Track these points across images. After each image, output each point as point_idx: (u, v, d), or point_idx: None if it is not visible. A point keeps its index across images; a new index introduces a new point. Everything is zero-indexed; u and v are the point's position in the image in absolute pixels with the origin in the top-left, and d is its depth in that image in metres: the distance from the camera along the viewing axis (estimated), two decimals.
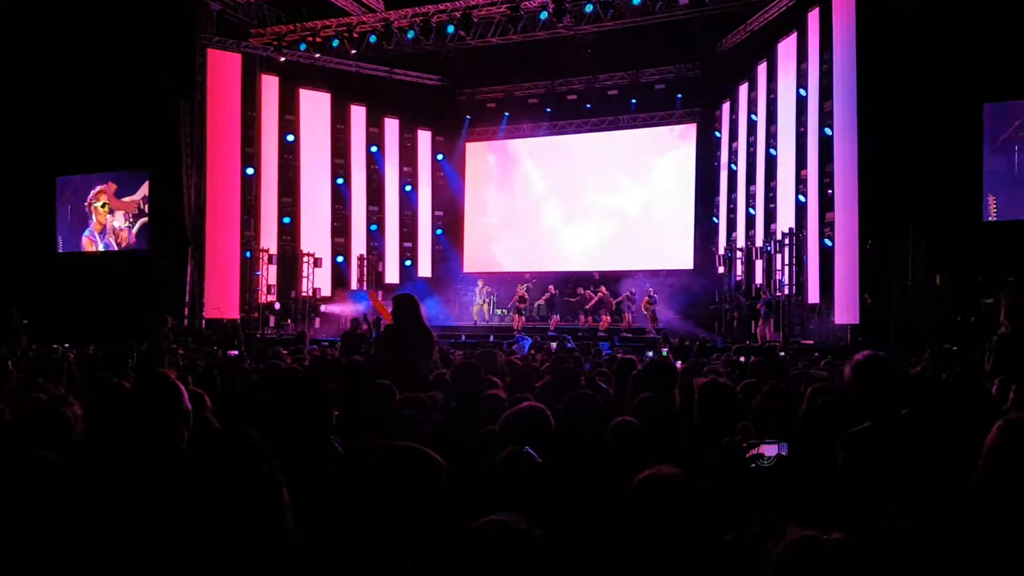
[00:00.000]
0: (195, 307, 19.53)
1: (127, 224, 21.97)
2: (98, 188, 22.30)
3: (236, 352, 9.23)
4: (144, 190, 21.78)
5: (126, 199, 22.08)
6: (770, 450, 2.28)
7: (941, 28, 13.71)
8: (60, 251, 22.66)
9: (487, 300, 21.74)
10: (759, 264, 18.90)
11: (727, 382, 3.68)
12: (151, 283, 19.25)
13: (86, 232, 22.46)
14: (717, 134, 22.11)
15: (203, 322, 19.38)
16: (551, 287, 20.22)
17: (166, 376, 2.98)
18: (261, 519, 1.57)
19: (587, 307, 20.19)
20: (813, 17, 16.48)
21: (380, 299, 20.30)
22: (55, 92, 19.48)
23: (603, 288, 19.88)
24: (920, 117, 13.80)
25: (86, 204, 22.43)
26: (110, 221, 22.14)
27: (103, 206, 22.20)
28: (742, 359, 7.43)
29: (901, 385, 3.05)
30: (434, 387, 5.38)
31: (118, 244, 22.09)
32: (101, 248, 22.30)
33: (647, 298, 19.02)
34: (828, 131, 15.92)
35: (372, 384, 4.20)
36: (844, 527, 1.60)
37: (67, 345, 12.56)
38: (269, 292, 20.56)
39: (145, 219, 21.75)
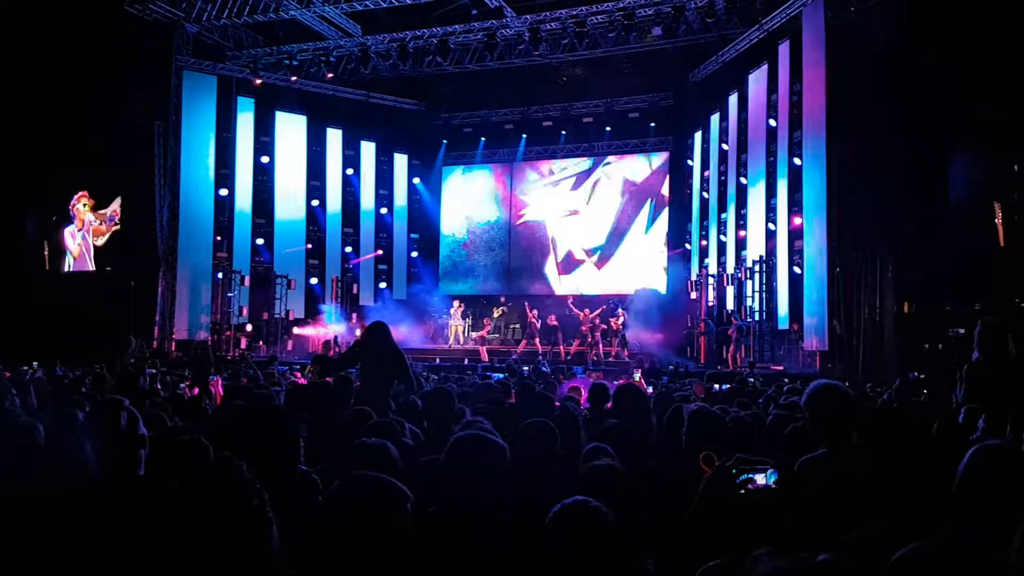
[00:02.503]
0: (165, 328, 19.30)
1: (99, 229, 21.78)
2: (79, 193, 22.13)
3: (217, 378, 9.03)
4: (115, 205, 21.63)
5: (101, 211, 22.00)
6: (761, 477, 2.31)
7: (908, 62, 14.07)
8: (29, 269, 22.31)
9: (461, 323, 21.69)
10: (730, 290, 19.11)
11: (716, 412, 3.75)
12: (121, 303, 19.00)
13: (68, 227, 22.29)
14: (689, 162, 22.40)
15: (173, 344, 19.15)
16: (533, 310, 20.03)
17: (120, 402, 2.92)
18: (246, 557, 1.52)
19: (582, 329, 19.28)
20: (784, 50, 16.82)
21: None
22: (27, 112, 19.27)
23: (587, 311, 19.59)
24: (888, 147, 14.12)
25: (69, 207, 22.20)
26: (89, 224, 21.94)
27: (84, 206, 22.00)
28: (715, 387, 7.52)
29: (854, 414, 3.12)
30: (404, 412, 5.38)
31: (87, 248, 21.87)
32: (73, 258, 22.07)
33: (618, 322, 19.07)
34: (798, 160, 16.21)
35: (350, 411, 4.20)
36: (812, 553, 1.60)
37: (36, 364, 12.38)
38: (241, 313, 20.39)
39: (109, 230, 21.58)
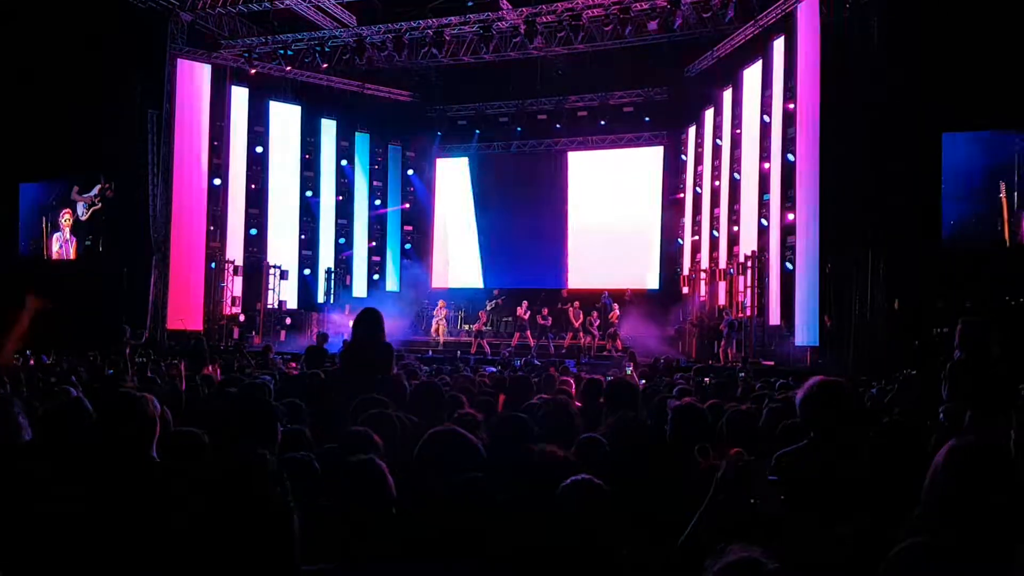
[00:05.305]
0: (157, 318, 19.25)
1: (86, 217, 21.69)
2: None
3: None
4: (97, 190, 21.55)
5: (85, 195, 21.87)
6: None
7: (902, 59, 14.14)
8: (22, 254, 22.20)
9: (444, 323, 21.38)
10: (722, 285, 19.17)
11: (699, 405, 3.80)
12: (113, 292, 18.96)
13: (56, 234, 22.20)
14: (683, 157, 22.44)
15: (165, 333, 19.10)
16: (524, 302, 20.03)
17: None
18: (268, 545, 1.50)
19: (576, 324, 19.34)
20: (778, 46, 16.87)
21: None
22: (21, 97, 19.17)
23: (576, 304, 19.67)
24: (881, 144, 14.19)
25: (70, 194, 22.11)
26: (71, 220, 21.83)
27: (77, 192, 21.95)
28: (705, 380, 7.57)
29: (851, 412, 3.12)
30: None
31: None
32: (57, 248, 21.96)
33: (611, 316, 19.11)
34: (791, 157, 16.26)
35: (360, 400, 4.19)
36: (785, 545, 1.60)
37: (28, 352, 12.33)
38: (234, 304, 20.36)
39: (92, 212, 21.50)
